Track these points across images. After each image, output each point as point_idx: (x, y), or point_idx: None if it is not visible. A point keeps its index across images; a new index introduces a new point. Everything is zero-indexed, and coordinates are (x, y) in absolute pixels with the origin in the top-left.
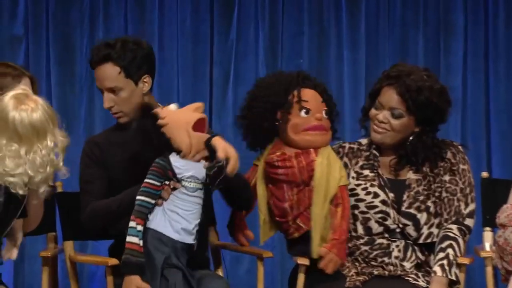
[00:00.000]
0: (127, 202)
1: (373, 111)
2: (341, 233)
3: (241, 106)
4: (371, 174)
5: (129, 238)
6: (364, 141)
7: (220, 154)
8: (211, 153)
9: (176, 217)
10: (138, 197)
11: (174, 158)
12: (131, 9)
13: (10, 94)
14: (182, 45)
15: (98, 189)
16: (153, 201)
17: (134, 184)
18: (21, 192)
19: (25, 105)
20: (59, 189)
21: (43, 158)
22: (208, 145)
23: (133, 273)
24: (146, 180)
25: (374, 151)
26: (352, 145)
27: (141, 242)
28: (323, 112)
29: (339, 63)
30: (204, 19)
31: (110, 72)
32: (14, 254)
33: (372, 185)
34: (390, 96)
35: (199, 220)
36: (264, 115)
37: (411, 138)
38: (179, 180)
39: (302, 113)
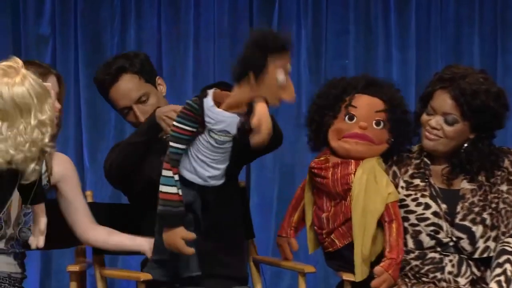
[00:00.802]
0: (142, 129)
1: (424, 117)
2: (398, 252)
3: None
4: (421, 184)
5: (165, 188)
6: (414, 147)
7: (254, 122)
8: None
9: (203, 166)
10: (171, 143)
11: (208, 105)
12: (165, 8)
13: None
14: (220, 46)
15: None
16: (183, 147)
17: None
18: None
19: (10, 78)
20: (89, 199)
21: (24, 135)
22: (250, 105)
23: (176, 225)
24: (175, 124)
25: (425, 159)
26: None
27: (180, 192)
28: (374, 122)
29: (388, 64)
30: (242, 17)
31: (132, 82)
32: (41, 241)
33: (423, 196)
34: (443, 101)
35: (227, 163)
36: (322, 116)
37: (465, 145)
38: (206, 130)
39: (347, 119)
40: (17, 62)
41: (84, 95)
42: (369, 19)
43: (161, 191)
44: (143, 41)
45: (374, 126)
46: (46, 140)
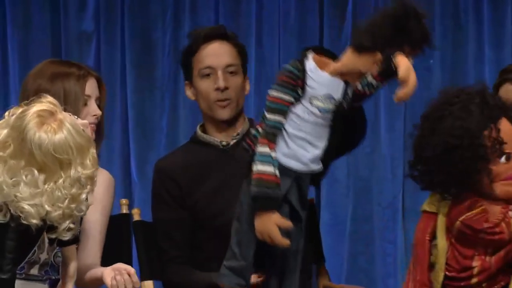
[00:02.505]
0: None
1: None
2: None
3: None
4: None
5: (261, 167)
6: None
7: (402, 74)
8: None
9: (303, 145)
10: (268, 116)
11: (310, 67)
12: (223, 0)
13: (33, 109)
14: (285, 42)
15: (179, 240)
16: (283, 120)
17: (220, 217)
18: (34, 221)
19: (47, 125)
20: (136, 217)
21: (63, 190)
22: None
23: (271, 209)
24: (273, 93)
25: None
26: None
27: (277, 172)
28: None
29: (479, 64)
30: (311, 10)
31: (229, 50)
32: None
33: None
34: (508, 92)
35: (326, 143)
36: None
37: None
38: (306, 98)
39: (503, 159)
40: (53, 104)
41: (132, 100)
42: (458, 13)
43: (256, 170)
44: None
45: None
46: (84, 196)
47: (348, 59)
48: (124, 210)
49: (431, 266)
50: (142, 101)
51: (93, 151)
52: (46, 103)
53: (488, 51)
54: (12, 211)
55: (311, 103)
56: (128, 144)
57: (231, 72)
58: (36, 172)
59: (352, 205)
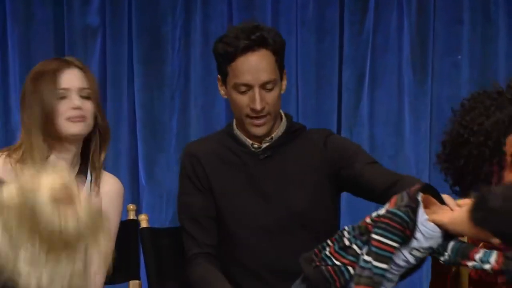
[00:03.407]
0: None
1: None
2: None
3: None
4: None
5: None
6: None
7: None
8: None
9: (384, 283)
10: (375, 263)
11: (422, 218)
12: None
13: (49, 181)
14: (303, 38)
15: (204, 231)
16: (388, 267)
17: (238, 223)
18: None
19: (62, 205)
20: (144, 224)
21: (63, 279)
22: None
23: None
24: (382, 239)
25: None
26: None
27: None
28: None
29: (511, 61)
30: (331, 3)
31: (266, 61)
32: None
33: None
34: None
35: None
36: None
37: None
38: (409, 247)
39: None
40: (66, 178)
41: (139, 99)
42: (488, 5)
43: None
44: (211, 33)
45: None
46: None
47: (461, 220)
48: (131, 216)
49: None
50: (151, 100)
51: (106, 225)
52: (59, 176)
53: None
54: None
55: (410, 253)
56: (136, 146)
57: (268, 89)
58: (38, 246)
59: (374, 210)
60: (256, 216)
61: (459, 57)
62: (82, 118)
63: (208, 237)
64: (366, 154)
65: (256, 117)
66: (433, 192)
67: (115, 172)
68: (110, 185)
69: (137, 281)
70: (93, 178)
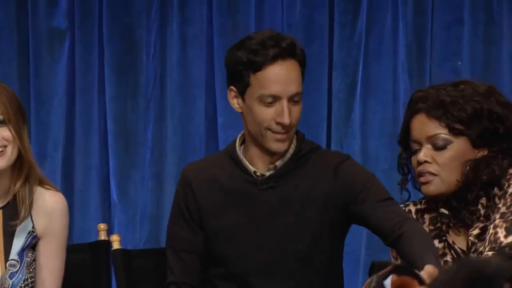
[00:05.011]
0: None
1: (412, 160)
2: None
3: None
4: (440, 246)
5: None
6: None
7: None
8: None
9: None
10: None
11: None
12: None
13: None
14: None
15: (183, 267)
16: None
17: (237, 262)
18: None
19: None
20: (116, 245)
21: None
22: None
23: None
24: None
25: (443, 209)
26: (418, 206)
27: None
28: None
29: None
30: (320, 4)
31: (295, 73)
32: None
33: (445, 263)
34: (422, 124)
35: None
36: None
37: (467, 167)
38: None
39: None
40: None
41: (111, 110)
42: (490, 4)
43: None
44: (189, 38)
45: None
46: None
47: None
48: (103, 236)
49: None
50: (124, 110)
51: None
52: None
53: None
54: None
55: None
56: (107, 160)
57: (295, 101)
58: None
59: (366, 231)
60: (253, 256)
61: (459, 63)
62: None
63: (185, 273)
64: (379, 188)
65: (281, 133)
66: (407, 272)
67: (84, 189)
68: (57, 202)
69: None
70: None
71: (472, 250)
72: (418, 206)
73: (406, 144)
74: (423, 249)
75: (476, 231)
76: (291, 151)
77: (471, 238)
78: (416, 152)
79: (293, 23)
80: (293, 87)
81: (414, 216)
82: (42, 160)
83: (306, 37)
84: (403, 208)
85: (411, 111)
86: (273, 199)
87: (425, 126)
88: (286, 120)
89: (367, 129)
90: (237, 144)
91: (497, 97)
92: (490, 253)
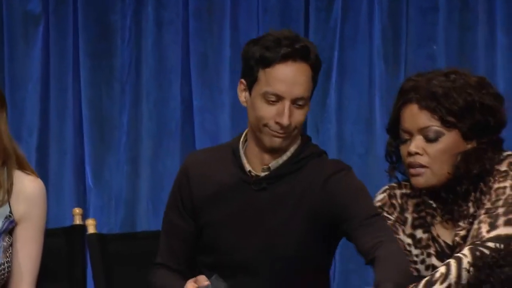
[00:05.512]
0: None
1: (402, 149)
2: None
3: None
4: (424, 237)
5: None
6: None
7: None
8: None
9: None
10: None
11: None
12: None
13: None
14: (265, 26)
15: (170, 251)
16: None
17: (225, 255)
18: None
19: None
20: (91, 229)
21: None
22: None
23: None
24: None
25: (426, 197)
26: (404, 190)
27: None
28: None
29: (490, 51)
30: None
31: (305, 77)
32: None
33: (429, 255)
34: (414, 116)
35: None
36: None
37: (458, 159)
38: None
39: None
40: None
41: (86, 95)
42: None
43: None
44: (164, 22)
45: None
46: None
47: None
48: (78, 221)
49: None
50: (99, 95)
51: None
52: None
53: (501, 35)
54: None
55: None
56: (82, 145)
57: (299, 105)
58: None
59: None
60: (239, 251)
61: (435, 47)
62: None
63: (173, 258)
64: (366, 205)
65: (279, 132)
66: None
67: (59, 173)
68: (36, 187)
69: None
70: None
71: (457, 250)
72: (404, 190)
73: (395, 132)
74: (386, 276)
75: (463, 232)
76: (288, 153)
77: (457, 238)
78: (406, 141)
79: (269, 7)
80: (299, 91)
81: (399, 201)
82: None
83: (281, 21)
84: (388, 191)
85: (403, 101)
86: (264, 200)
87: (417, 117)
88: (285, 121)
89: (342, 114)
90: (242, 139)
91: (488, 89)
92: (466, 249)
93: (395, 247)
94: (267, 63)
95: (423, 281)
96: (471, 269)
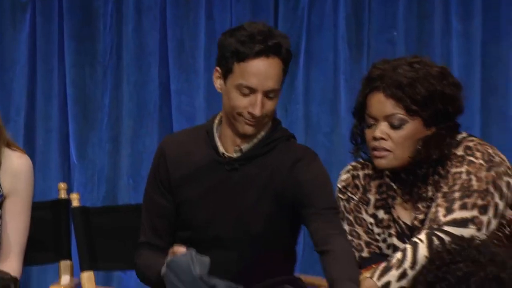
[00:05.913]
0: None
1: (367, 132)
2: None
3: None
4: (385, 217)
5: None
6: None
7: None
8: None
9: None
10: None
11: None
12: None
13: None
14: (238, 14)
15: (153, 230)
16: None
17: (199, 232)
18: None
19: None
20: (75, 203)
21: None
22: None
23: None
24: None
25: (388, 179)
26: (366, 170)
27: None
28: None
29: (446, 38)
30: None
31: (276, 70)
32: None
33: (390, 235)
34: (380, 103)
35: None
36: None
37: (419, 145)
38: None
39: None
40: None
41: (70, 76)
42: None
43: None
44: (144, 9)
45: None
46: None
47: None
48: (62, 195)
49: None
50: (82, 77)
51: None
52: None
53: (456, 23)
54: None
55: None
56: (66, 124)
57: (270, 97)
58: None
59: None
60: (213, 227)
61: (395, 33)
62: None
63: (155, 236)
64: (327, 196)
65: (251, 120)
66: None
67: (45, 150)
68: (20, 164)
69: (68, 262)
70: None
71: (416, 233)
72: (366, 171)
73: (361, 116)
74: (343, 274)
75: (421, 216)
76: (259, 136)
77: (415, 222)
78: (371, 126)
79: None
80: (270, 84)
81: (362, 182)
82: (5, 124)
83: (252, 10)
84: (352, 172)
85: (369, 88)
86: (235, 180)
87: (383, 105)
88: (257, 112)
89: (309, 96)
90: (216, 121)
91: (449, 79)
92: (423, 233)
93: (347, 244)
94: (241, 57)
95: (381, 267)
96: (427, 262)
